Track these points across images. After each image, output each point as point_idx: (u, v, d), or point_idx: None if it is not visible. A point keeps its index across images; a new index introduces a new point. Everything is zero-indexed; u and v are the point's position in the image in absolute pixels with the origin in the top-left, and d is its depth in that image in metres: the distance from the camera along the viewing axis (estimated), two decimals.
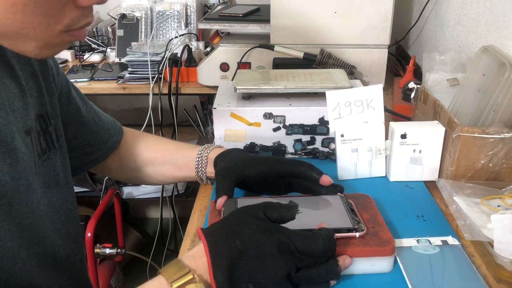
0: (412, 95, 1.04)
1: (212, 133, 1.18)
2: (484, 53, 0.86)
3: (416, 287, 0.60)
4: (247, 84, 0.96)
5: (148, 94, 1.71)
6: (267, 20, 1.43)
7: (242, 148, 0.95)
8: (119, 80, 1.76)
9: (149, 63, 1.70)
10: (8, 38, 0.52)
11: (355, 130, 0.85)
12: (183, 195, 2.07)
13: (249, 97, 0.97)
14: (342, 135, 0.85)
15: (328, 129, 0.93)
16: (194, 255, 0.56)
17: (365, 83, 1.28)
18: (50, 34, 0.52)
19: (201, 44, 1.85)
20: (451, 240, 0.69)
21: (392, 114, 1.15)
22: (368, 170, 0.88)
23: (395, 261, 0.64)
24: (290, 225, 0.62)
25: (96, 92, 1.79)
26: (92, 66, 1.94)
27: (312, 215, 0.67)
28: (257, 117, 0.93)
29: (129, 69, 1.75)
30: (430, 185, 0.85)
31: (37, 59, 0.70)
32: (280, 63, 1.39)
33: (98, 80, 1.79)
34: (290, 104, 0.94)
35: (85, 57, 2.02)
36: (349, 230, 0.63)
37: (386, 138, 0.86)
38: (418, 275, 0.62)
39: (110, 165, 0.88)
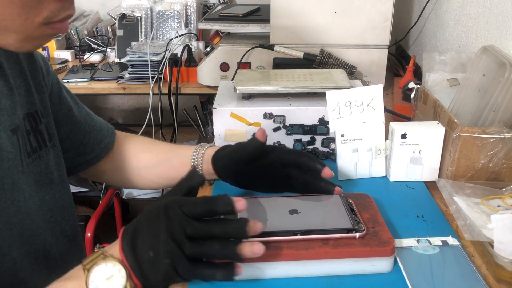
0: (412, 95, 1.04)
1: (212, 133, 1.18)
2: (484, 53, 0.86)
3: (416, 287, 0.60)
4: (247, 84, 0.96)
5: (148, 94, 1.71)
6: (267, 20, 1.43)
7: None
8: (119, 80, 1.77)
9: (149, 63, 1.70)
10: None
11: (355, 130, 0.85)
12: None
13: (249, 97, 0.97)
14: (342, 135, 0.85)
15: (328, 129, 0.93)
16: (115, 242, 0.56)
17: (365, 83, 1.28)
18: (29, 26, 0.52)
19: (201, 44, 1.85)
20: (451, 240, 0.69)
21: (392, 114, 1.15)
22: (368, 170, 0.88)
23: (395, 261, 0.64)
24: (289, 225, 0.62)
25: (96, 92, 1.79)
26: (92, 66, 1.94)
27: (312, 215, 0.66)
28: (257, 117, 0.93)
29: (129, 69, 1.75)
30: (430, 185, 0.85)
31: (25, 57, 0.70)
32: (280, 63, 1.39)
33: (98, 80, 1.79)
34: (290, 104, 0.94)
35: (85, 57, 2.02)
36: (349, 230, 0.63)
37: (386, 138, 0.86)
38: (418, 275, 0.62)
39: (103, 167, 0.87)
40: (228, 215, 0.55)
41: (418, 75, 1.36)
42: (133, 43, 1.82)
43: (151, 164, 0.86)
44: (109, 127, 0.88)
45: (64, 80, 1.77)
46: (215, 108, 0.94)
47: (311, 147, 0.95)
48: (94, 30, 2.16)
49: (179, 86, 1.71)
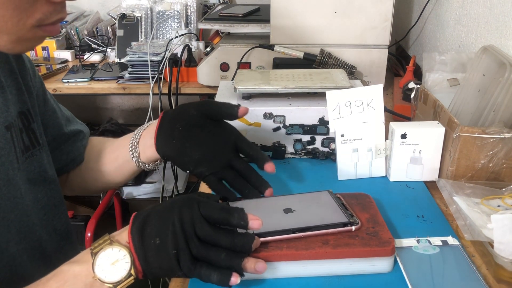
0: (412, 95, 1.04)
1: None
2: (484, 53, 0.86)
3: (416, 287, 0.60)
4: (247, 84, 0.96)
5: (148, 94, 1.71)
6: (267, 20, 1.43)
7: None
8: (119, 80, 1.76)
9: (149, 63, 1.70)
10: None
11: (355, 130, 0.85)
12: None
13: (249, 97, 0.97)
14: (342, 135, 0.85)
15: (328, 129, 0.93)
16: (125, 227, 0.57)
17: (365, 83, 1.28)
18: (22, 28, 0.53)
19: (201, 44, 1.85)
20: (451, 240, 0.69)
21: (392, 114, 1.15)
22: (368, 170, 0.88)
23: (395, 261, 0.64)
24: (286, 223, 0.63)
25: (96, 92, 1.79)
26: (92, 66, 1.94)
27: (306, 212, 0.67)
28: (257, 117, 0.93)
29: (129, 69, 1.75)
30: (430, 185, 0.85)
31: (14, 57, 0.70)
32: (280, 63, 1.39)
33: (98, 80, 1.79)
34: (290, 104, 0.94)
35: (85, 57, 2.02)
36: (344, 224, 0.63)
37: (386, 138, 0.86)
38: (418, 275, 0.62)
39: (80, 172, 0.85)
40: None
41: (418, 75, 1.36)
42: (133, 43, 1.82)
43: (100, 153, 0.84)
44: (84, 126, 0.88)
45: (64, 80, 1.77)
46: None
47: (311, 147, 0.95)
48: (94, 30, 2.16)
49: (179, 86, 1.71)
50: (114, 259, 0.54)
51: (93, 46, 2.11)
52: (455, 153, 0.79)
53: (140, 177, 2.14)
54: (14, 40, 0.54)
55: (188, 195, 0.58)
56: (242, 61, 1.46)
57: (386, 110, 0.95)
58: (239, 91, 0.96)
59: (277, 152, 0.95)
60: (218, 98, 0.98)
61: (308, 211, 0.67)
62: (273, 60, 1.41)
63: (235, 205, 0.63)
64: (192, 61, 1.74)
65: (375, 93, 0.85)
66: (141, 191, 2.09)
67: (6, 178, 0.63)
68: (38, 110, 0.74)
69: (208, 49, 1.59)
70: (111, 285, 0.53)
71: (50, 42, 2.03)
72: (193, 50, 1.76)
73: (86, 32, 2.13)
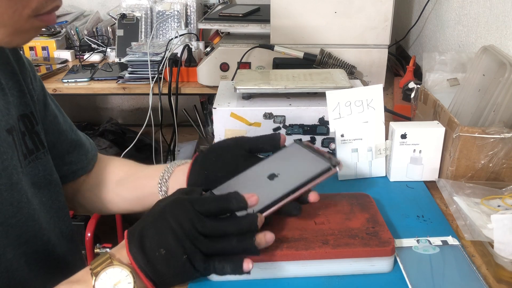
0: (412, 95, 1.04)
1: (212, 133, 1.18)
2: (484, 53, 0.86)
3: (416, 287, 0.60)
4: (247, 84, 0.96)
5: (148, 94, 1.71)
6: (267, 20, 1.43)
7: None
8: (119, 80, 1.76)
9: (149, 63, 1.70)
10: None
11: (355, 130, 0.85)
12: None
13: (249, 97, 0.97)
14: (342, 135, 0.85)
15: (328, 129, 0.93)
16: (121, 244, 0.56)
17: (365, 83, 1.28)
18: (18, 19, 0.52)
19: (201, 44, 1.85)
20: (451, 240, 0.69)
21: (392, 114, 1.15)
22: (368, 170, 0.88)
23: (395, 261, 0.64)
24: (278, 190, 0.61)
25: (96, 92, 1.79)
26: (92, 66, 1.94)
27: (289, 172, 0.65)
28: (257, 117, 0.93)
29: (129, 69, 1.75)
30: (430, 185, 0.85)
31: (15, 59, 0.69)
32: (280, 63, 1.39)
33: (98, 80, 1.79)
34: (290, 104, 0.94)
35: (85, 57, 2.02)
36: (328, 169, 0.63)
37: (386, 138, 0.86)
38: (418, 275, 0.62)
39: (81, 186, 0.83)
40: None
41: (418, 75, 1.36)
42: (133, 43, 1.82)
43: (124, 176, 0.82)
44: (92, 142, 0.85)
45: (64, 80, 1.77)
46: (215, 108, 0.94)
47: None
48: (94, 30, 2.16)
49: (179, 86, 1.71)
50: (116, 280, 0.52)
51: (93, 46, 2.10)
52: (455, 153, 0.79)
53: None
54: (12, 33, 0.53)
55: (174, 197, 0.56)
56: (242, 61, 1.46)
57: (386, 110, 0.95)
58: (239, 91, 0.96)
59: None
60: (218, 98, 0.98)
61: (290, 170, 0.66)
62: (273, 60, 1.41)
63: (219, 192, 0.62)
64: (192, 61, 1.74)
65: (375, 93, 0.85)
66: None
67: (9, 183, 0.61)
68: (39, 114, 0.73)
69: (208, 49, 1.59)
70: None
71: (50, 42, 2.03)
72: (193, 50, 1.76)
73: (86, 32, 2.13)
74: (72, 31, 2.12)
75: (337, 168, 0.63)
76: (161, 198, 0.74)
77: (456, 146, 0.78)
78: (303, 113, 0.93)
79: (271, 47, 1.39)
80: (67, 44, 2.14)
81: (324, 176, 0.63)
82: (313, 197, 0.64)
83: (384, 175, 0.88)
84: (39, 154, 0.69)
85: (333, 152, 0.94)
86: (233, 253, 0.55)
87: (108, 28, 2.14)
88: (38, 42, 2.03)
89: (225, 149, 0.70)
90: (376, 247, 0.61)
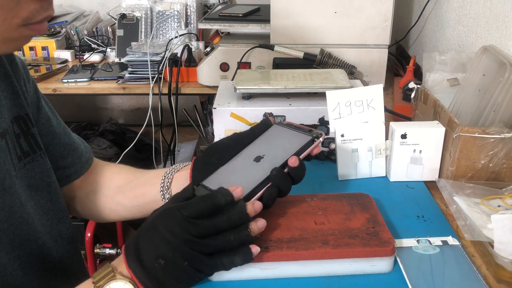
0: (412, 95, 1.04)
1: (212, 133, 1.18)
2: (484, 53, 0.86)
3: (416, 287, 0.60)
4: (247, 84, 0.96)
5: (148, 94, 1.71)
6: (267, 20, 1.43)
7: None
8: (119, 80, 1.76)
9: (149, 63, 1.70)
10: None
11: (355, 130, 0.85)
12: None
13: (249, 97, 0.97)
14: (342, 135, 0.85)
15: (328, 129, 0.93)
16: (121, 257, 0.56)
17: (365, 83, 1.28)
18: (7, 28, 0.51)
19: (201, 44, 1.85)
20: (451, 240, 0.69)
21: (392, 114, 1.15)
22: (368, 170, 0.88)
23: (395, 261, 0.64)
24: (266, 170, 0.62)
25: (96, 92, 1.79)
26: (92, 66, 1.94)
27: (274, 152, 0.66)
28: (257, 117, 0.93)
29: (129, 69, 1.75)
30: (430, 185, 0.85)
31: (8, 60, 0.68)
32: (280, 63, 1.39)
33: (98, 80, 1.79)
34: (290, 104, 0.94)
35: (85, 57, 2.02)
36: (312, 141, 0.65)
37: (386, 138, 0.86)
38: (418, 275, 0.62)
39: (76, 192, 0.81)
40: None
41: (418, 75, 1.36)
42: (133, 43, 1.82)
43: (123, 183, 0.80)
44: (86, 145, 0.83)
45: (64, 80, 1.77)
46: (215, 108, 0.94)
47: None
48: (94, 30, 2.16)
49: (179, 86, 1.71)
50: None
51: (93, 46, 2.10)
52: (455, 153, 0.79)
53: None
54: (1, 41, 0.52)
55: (165, 208, 0.56)
56: (242, 61, 1.46)
57: (386, 110, 0.95)
58: (239, 91, 0.96)
59: None
60: (218, 98, 0.98)
61: (275, 150, 0.66)
62: (273, 60, 1.41)
63: (209, 183, 0.62)
64: (192, 61, 1.74)
65: (375, 93, 0.85)
66: None
67: (2, 187, 0.60)
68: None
69: (208, 49, 1.59)
70: None
71: (50, 42, 2.03)
72: (193, 50, 1.76)
73: (86, 32, 2.13)
74: (72, 31, 2.12)
75: (320, 139, 0.64)
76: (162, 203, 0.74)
77: (456, 146, 0.78)
78: (303, 113, 0.93)
79: (271, 47, 1.39)
80: (67, 44, 2.14)
81: (308, 149, 0.64)
82: (291, 161, 0.63)
83: (384, 175, 0.88)
84: (35, 156, 0.68)
85: (333, 152, 0.94)
86: (232, 247, 0.55)
87: (108, 28, 2.14)
88: (38, 42, 2.03)
89: (225, 149, 0.69)
90: (376, 247, 0.61)
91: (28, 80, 0.72)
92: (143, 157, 2.04)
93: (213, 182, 0.62)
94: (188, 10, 2.04)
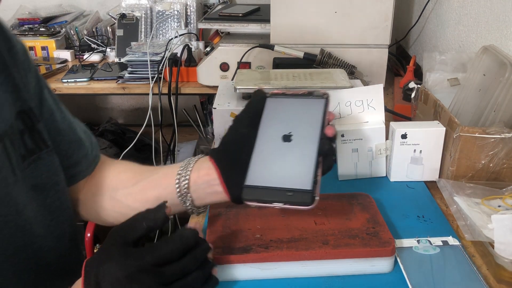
0: (413, 95, 1.04)
1: (212, 133, 1.18)
2: (485, 53, 0.86)
3: (416, 287, 0.60)
4: (247, 84, 0.96)
5: (148, 94, 1.71)
6: (267, 20, 1.43)
7: None
8: (118, 80, 1.76)
9: (149, 63, 1.70)
10: None
11: (355, 130, 0.85)
12: None
13: (249, 97, 0.97)
14: (342, 135, 0.85)
15: None
16: (78, 282, 0.54)
17: (365, 83, 1.28)
18: None
19: (201, 44, 1.84)
20: (451, 240, 0.69)
21: (393, 114, 1.15)
22: (368, 170, 0.88)
23: (396, 262, 0.64)
24: (305, 147, 0.57)
25: (95, 92, 1.79)
26: (92, 66, 1.93)
27: (297, 127, 0.59)
28: None
29: (129, 69, 1.75)
30: (430, 185, 0.85)
31: (6, 48, 0.62)
32: (280, 63, 1.39)
33: (97, 80, 1.78)
34: None
35: (84, 57, 2.02)
36: (326, 103, 0.60)
37: (387, 138, 0.86)
38: (418, 275, 0.62)
39: (79, 195, 0.74)
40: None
41: (418, 75, 1.36)
42: (132, 43, 1.82)
43: (130, 184, 0.72)
44: (94, 141, 0.75)
45: (64, 80, 1.77)
46: (215, 108, 0.93)
47: None
48: (93, 30, 2.16)
49: (179, 86, 1.71)
50: None
51: (93, 46, 2.10)
52: (456, 153, 0.78)
53: None
54: None
55: (128, 260, 0.51)
56: (242, 61, 1.46)
57: (386, 110, 0.95)
58: (239, 91, 0.95)
59: None
60: (218, 98, 0.98)
61: (297, 123, 0.60)
62: (273, 60, 1.41)
63: (254, 183, 0.56)
64: (192, 61, 1.74)
65: (375, 93, 0.85)
66: None
67: None
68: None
69: (208, 49, 1.59)
70: None
71: (49, 42, 2.03)
72: (193, 50, 1.76)
73: (85, 32, 2.13)
74: (71, 31, 2.12)
75: (330, 98, 0.60)
76: (184, 209, 0.67)
77: (456, 146, 0.78)
78: None
79: (271, 47, 1.39)
80: (67, 44, 2.14)
81: (327, 111, 0.59)
82: (330, 131, 0.58)
83: (384, 175, 0.88)
84: (42, 154, 0.63)
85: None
86: (199, 284, 0.53)
87: (108, 28, 2.14)
88: (38, 42, 2.02)
89: (240, 139, 0.63)
90: (376, 247, 0.61)
91: (29, 69, 0.65)
92: (143, 157, 2.04)
93: (258, 178, 0.56)
94: (188, 10, 2.04)
